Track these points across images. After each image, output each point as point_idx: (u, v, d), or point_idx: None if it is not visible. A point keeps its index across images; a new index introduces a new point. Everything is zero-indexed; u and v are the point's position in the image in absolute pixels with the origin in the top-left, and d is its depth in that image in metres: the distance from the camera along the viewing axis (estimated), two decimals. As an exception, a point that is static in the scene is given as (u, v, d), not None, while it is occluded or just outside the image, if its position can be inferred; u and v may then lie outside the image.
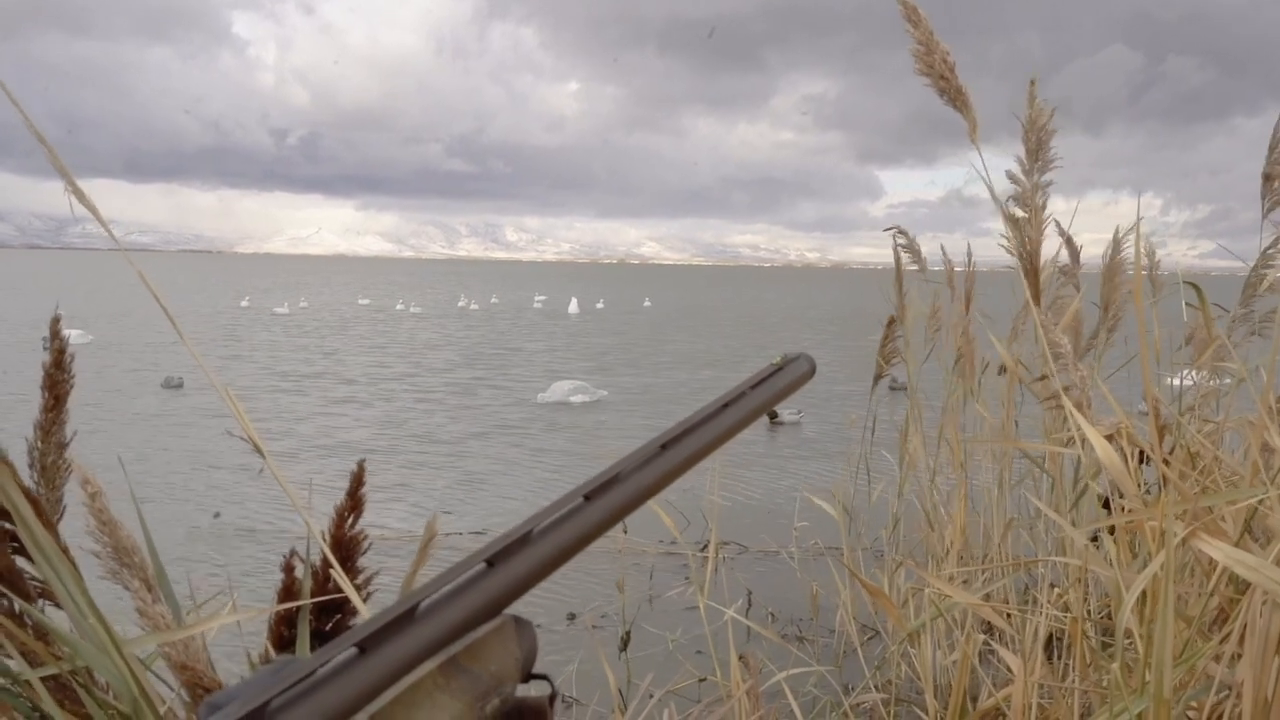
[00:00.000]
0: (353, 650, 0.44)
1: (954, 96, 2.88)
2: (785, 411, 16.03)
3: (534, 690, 0.53)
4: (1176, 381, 4.44)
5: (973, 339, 5.40)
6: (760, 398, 0.75)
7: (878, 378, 5.32)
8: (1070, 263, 4.85)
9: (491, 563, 0.51)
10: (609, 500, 0.58)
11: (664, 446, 0.63)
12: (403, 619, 0.46)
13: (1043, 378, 2.90)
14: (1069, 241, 4.74)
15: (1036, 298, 3.00)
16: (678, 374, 23.96)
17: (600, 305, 57.37)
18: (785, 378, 0.80)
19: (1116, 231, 4.37)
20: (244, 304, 49.88)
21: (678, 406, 17.52)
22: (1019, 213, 2.98)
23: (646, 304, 61.71)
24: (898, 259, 5.39)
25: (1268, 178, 3.25)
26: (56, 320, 1.72)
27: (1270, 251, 3.54)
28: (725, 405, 0.71)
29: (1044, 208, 2.99)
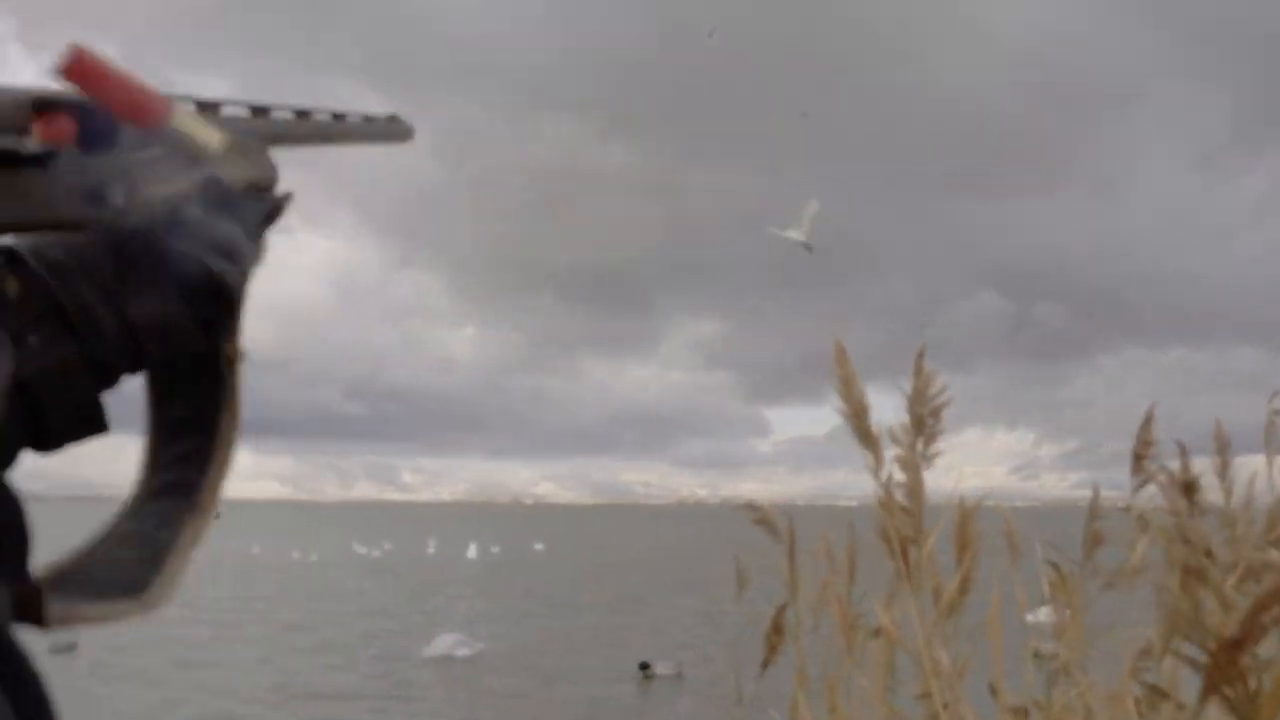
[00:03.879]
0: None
1: (863, 436, 3.09)
2: (660, 664, 16.16)
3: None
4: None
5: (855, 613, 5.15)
6: (358, 131, 0.84)
7: (765, 664, 4.64)
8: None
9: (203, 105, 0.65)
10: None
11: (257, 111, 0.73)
12: None
13: (926, 694, 3.05)
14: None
15: (910, 581, 3.15)
16: (562, 622, 24.62)
17: (496, 550, 57.46)
18: (382, 131, 0.88)
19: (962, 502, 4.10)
20: (129, 555, 49.06)
21: (557, 659, 18.08)
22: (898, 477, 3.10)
23: (539, 547, 61.93)
24: (791, 539, 4.69)
25: (1137, 457, 3.47)
26: None
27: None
28: (335, 117, 0.80)
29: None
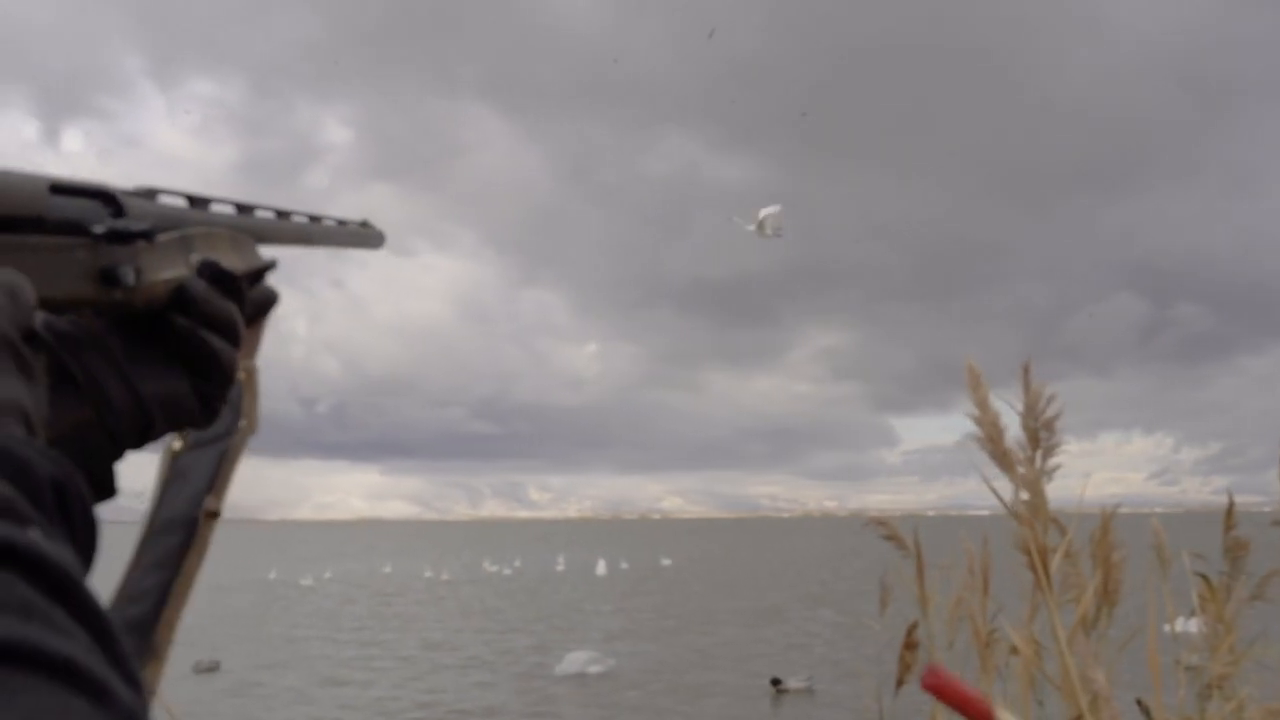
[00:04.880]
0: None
1: (999, 458, 3.09)
2: (792, 679, 15.96)
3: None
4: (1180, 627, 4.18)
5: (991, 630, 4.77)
6: (333, 234, 0.88)
7: (900, 683, 4.67)
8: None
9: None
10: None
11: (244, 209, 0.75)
12: None
13: (1078, 717, 3.01)
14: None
15: (1049, 599, 3.13)
16: (693, 638, 24.60)
17: (625, 566, 57.65)
18: (355, 236, 0.91)
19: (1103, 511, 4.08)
20: (271, 576, 50.68)
21: (691, 675, 18.08)
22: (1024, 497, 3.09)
23: (665, 562, 61.90)
24: (919, 555, 4.63)
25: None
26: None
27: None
28: (312, 218, 0.84)
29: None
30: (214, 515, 0.74)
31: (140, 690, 0.41)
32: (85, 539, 0.47)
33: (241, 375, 0.72)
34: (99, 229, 0.60)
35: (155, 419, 0.64)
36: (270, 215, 0.78)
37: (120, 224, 0.60)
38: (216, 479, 0.77)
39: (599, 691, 17.39)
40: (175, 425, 0.67)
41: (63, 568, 0.41)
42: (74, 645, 0.39)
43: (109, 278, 0.60)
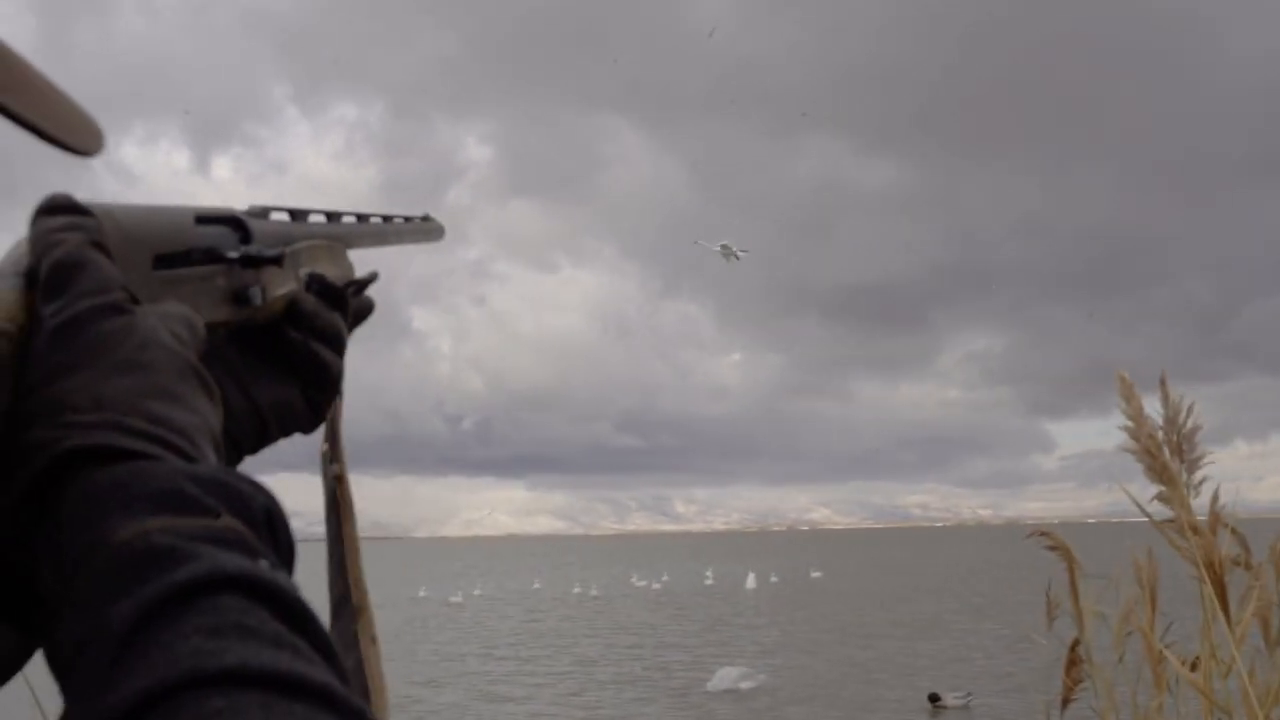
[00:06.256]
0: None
1: (1159, 473, 3.01)
2: (950, 695, 15.69)
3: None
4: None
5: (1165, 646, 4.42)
6: (404, 232, 0.94)
7: (1065, 701, 4.49)
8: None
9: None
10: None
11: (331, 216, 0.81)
12: None
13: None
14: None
15: (1226, 612, 3.06)
16: (849, 651, 24.31)
17: (775, 579, 57.17)
18: (421, 231, 0.98)
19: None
20: (421, 594, 51.37)
21: (847, 690, 17.86)
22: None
23: (816, 575, 61.21)
24: (1072, 568, 4.51)
25: None
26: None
27: None
28: (385, 219, 0.90)
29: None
30: (341, 479, 0.81)
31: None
32: (289, 562, 0.50)
33: None
34: (233, 254, 0.65)
35: (270, 425, 0.69)
36: (352, 219, 0.84)
37: (253, 249, 0.66)
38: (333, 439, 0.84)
39: (758, 708, 17.35)
40: (287, 431, 0.72)
41: (297, 598, 0.45)
42: (327, 673, 0.42)
43: (241, 298, 0.66)
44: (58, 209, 0.56)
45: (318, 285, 0.73)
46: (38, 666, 0.50)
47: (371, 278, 0.80)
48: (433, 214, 0.99)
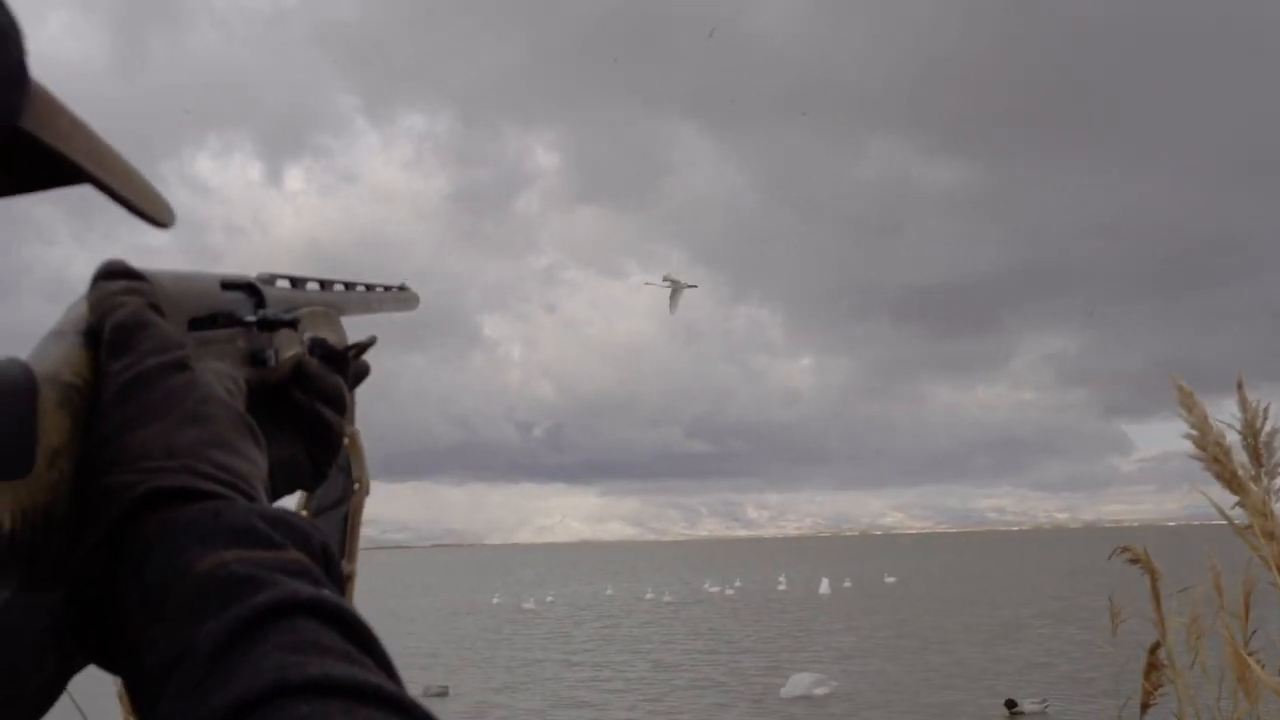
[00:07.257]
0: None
1: (1228, 480, 2.93)
2: (1027, 701, 15.49)
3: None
4: None
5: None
6: (384, 300, 0.97)
7: (1145, 706, 4.42)
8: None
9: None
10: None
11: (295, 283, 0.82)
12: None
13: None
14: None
15: None
16: (924, 657, 24.12)
17: (848, 584, 56.70)
18: (399, 300, 1.00)
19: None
20: (495, 600, 51.90)
21: (923, 696, 17.75)
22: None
23: (890, 580, 60.62)
24: (1153, 576, 4.36)
25: None
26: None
27: None
28: (367, 287, 0.93)
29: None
30: (350, 578, 0.80)
31: None
32: (341, 592, 0.53)
33: (346, 441, 0.79)
34: (251, 318, 0.70)
35: (277, 482, 0.70)
36: (341, 288, 0.88)
37: (269, 313, 0.71)
38: (347, 542, 0.86)
39: (835, 714, 17.32)
40: (291, 488, 0.75)
41: (362, 621, 0.49)
42: (397, 687, 0.46)
43: (258, 359, 0.70)
44: (115, 274, 0.61)
45: (320, 349, 0.77)
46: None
47: (370, 342, 0.84)
48: (409, 284, 1.03)
